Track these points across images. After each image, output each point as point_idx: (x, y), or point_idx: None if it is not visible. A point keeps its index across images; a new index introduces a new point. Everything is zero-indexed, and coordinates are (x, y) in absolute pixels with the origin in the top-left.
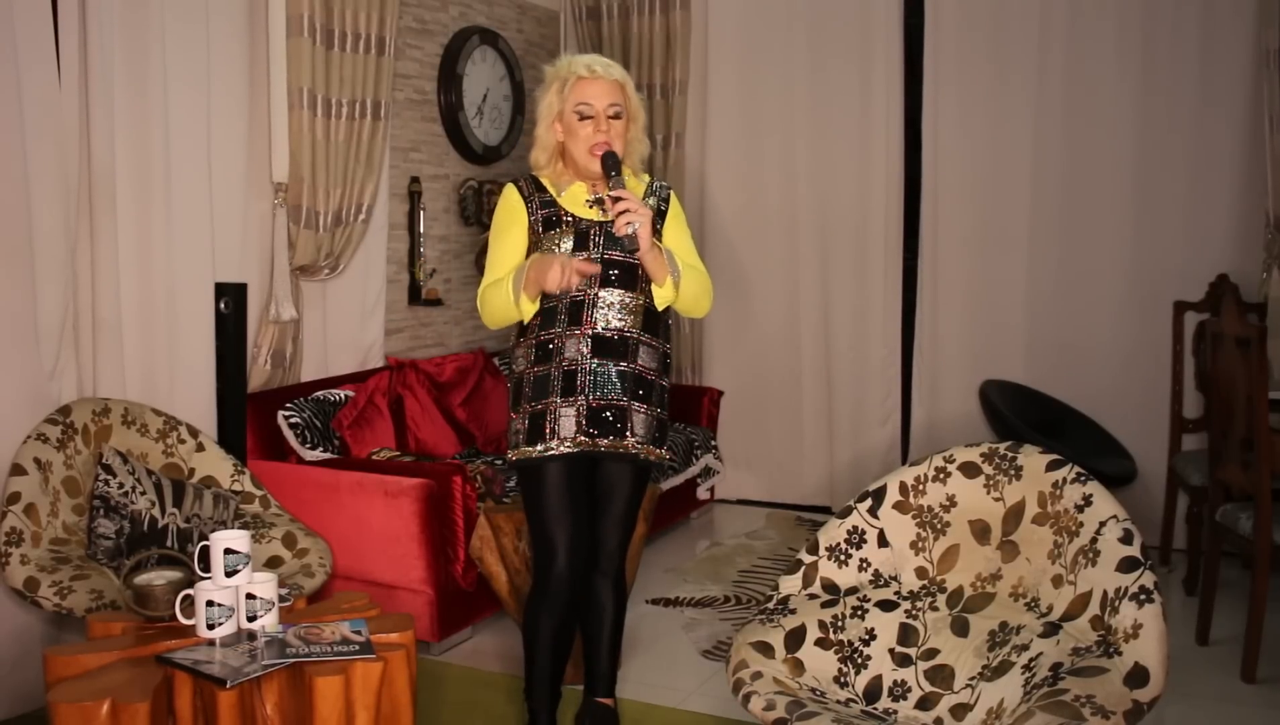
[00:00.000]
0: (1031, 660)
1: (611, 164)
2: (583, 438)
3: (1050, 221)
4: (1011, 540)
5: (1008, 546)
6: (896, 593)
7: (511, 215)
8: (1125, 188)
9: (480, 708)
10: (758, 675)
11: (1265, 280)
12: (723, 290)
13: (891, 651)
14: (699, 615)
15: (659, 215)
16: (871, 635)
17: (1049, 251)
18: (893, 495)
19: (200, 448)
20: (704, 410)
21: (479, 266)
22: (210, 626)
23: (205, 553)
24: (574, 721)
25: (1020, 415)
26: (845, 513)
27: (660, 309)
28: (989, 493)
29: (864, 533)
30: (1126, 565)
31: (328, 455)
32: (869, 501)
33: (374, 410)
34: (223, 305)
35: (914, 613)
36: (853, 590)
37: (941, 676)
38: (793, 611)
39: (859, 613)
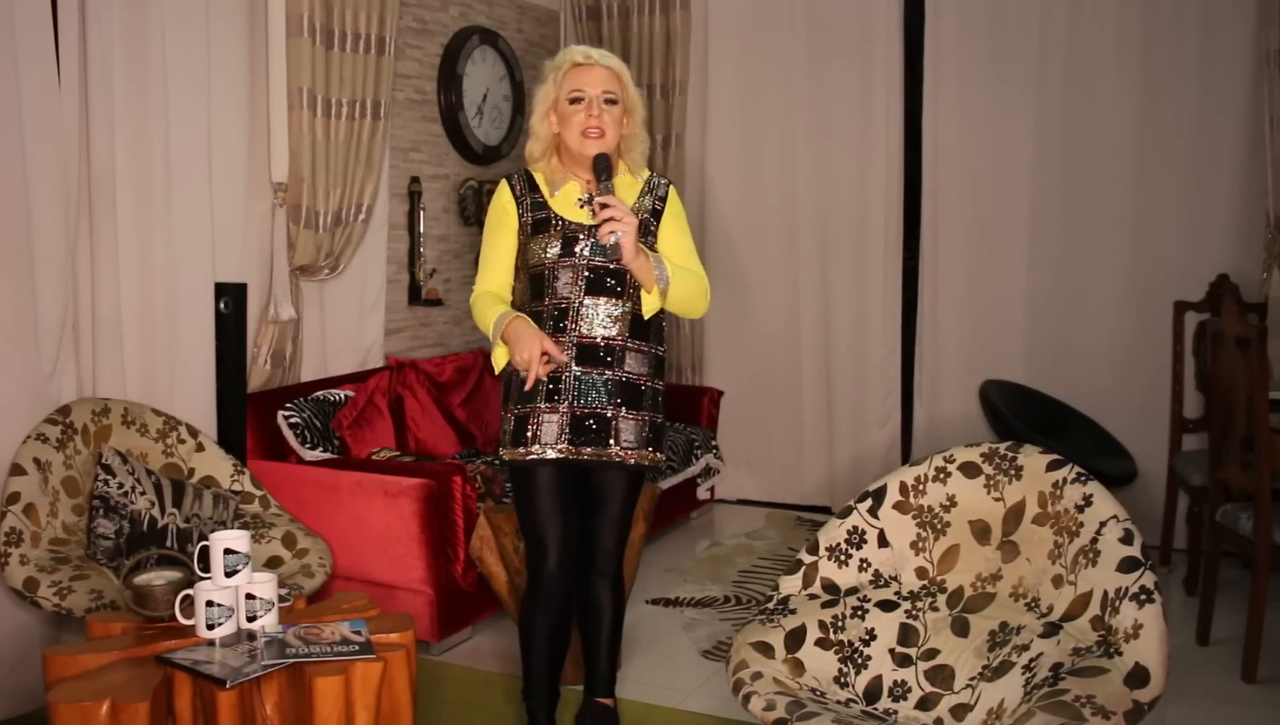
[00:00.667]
0: (1032, 660)
1: (603, 166)
2: (566, 445)
3: (1050, 221)
4: (1012, 540)
5: (1008, 547)
6: (897, 593)
7: (502, 216)
8: (1125, 187)
9: (480, 708)
10: (758, 675)
11: (1265, 280)
12: (722, 290)
13: (892, 652)
14: (699, 615)
15: (655, 214)
16: (872, 635)
17: (1049, 251)
18: (893, 495)
19: (200, 448)
20: (704, 410)
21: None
22: (210, 627)
23: (205, 553)
24: (574, 722)
25: (1020, 415)
26: (845, 513)
27: (647, 317)
28: (989, 493)
29: (864, 533)
30: (1127, 565)
31: (327, 455)
32: (869, 502)
33: (374, 410)
34: (222, 305)
35: (914, 613)
36: (853, 590)
37: (942, 677)
38: (793, 612)
39: (859, 613)
